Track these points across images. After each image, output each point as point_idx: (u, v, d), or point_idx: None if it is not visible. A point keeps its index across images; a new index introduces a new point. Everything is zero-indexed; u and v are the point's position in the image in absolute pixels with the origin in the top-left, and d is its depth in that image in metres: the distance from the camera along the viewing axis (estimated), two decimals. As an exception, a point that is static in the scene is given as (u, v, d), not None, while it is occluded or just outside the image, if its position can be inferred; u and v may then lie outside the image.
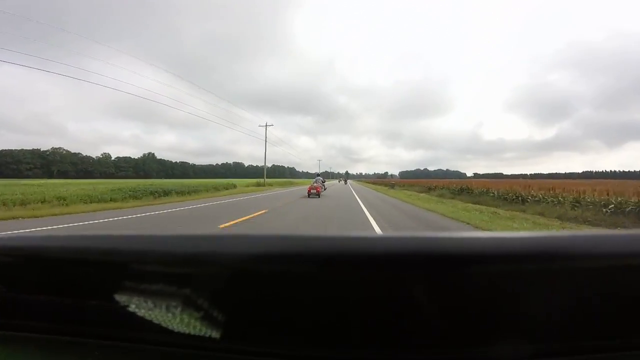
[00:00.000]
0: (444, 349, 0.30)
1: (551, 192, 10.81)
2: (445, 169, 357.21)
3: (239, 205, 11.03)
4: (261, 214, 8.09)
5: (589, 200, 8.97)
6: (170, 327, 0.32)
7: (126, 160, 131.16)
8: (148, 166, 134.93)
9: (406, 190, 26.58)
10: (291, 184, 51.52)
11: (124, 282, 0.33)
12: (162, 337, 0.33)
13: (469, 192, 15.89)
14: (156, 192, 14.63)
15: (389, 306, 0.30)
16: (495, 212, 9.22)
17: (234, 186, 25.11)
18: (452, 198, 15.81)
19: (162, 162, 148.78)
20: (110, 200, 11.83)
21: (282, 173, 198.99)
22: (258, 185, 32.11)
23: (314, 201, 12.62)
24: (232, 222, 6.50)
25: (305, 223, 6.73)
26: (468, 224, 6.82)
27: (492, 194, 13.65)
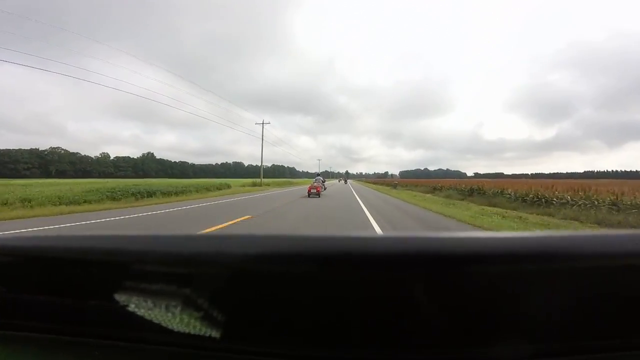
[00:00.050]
0: (444, 349, 0.30)
1: (580, 193, 9.49)
2: (445, 169, 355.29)
3: (222, 208, 9.80)
4: (244, 219, 6.87)
5: (628, 202, 7.69)
6: (170, 327, 0.32)
7: (125, 160, 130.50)
8: (147, 166, 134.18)
9: (409, 190, 25.03)
10: (290, 183, 50.30)
11: (124, 282, 0.33)
12: (162, 337, 0.33)
13: (480, 193, 14.29)
14: (139, 192, 13.43)
15: (389, 306, 0.30)
16: (521, 217, 7.90)
17: (228, 186, 23.74)
18: (462, 199, 14.23)
19: (162, 162, 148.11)
20: (84, 202, 10.78)
21: (282, 173, 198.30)
22: (254, 185, 30.85)
23: (313, 202, 11.74)
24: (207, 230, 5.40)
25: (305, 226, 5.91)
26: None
27: (507, 195, 12.01)
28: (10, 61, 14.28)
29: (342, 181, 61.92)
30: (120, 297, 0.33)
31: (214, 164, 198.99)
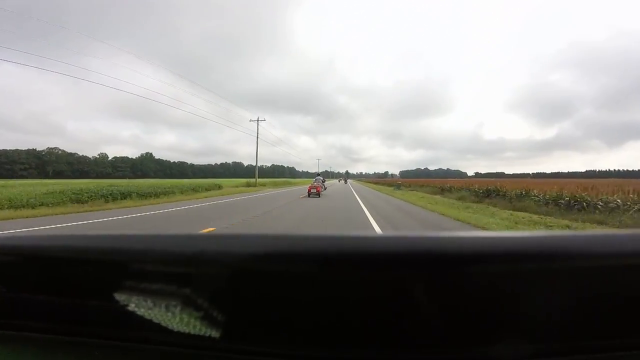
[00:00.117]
0: (444, 348, 0.30)
1: (631, 196, 7.81)
2: (445, 169, 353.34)
3: (190, 213, 8.49)
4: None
5: None
6: (170, 327, 0.32)
7: (123, 160, 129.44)
8: (145, 166, 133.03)
9: (414, 191, 22.88)
10: (288, 183, 48.77)
11: (124, 282, 0.33)
12: (162, 336, 0.33)
13: (499, 195, 12.46)
14: (110, 194, 11.82)
15: (389, 306, 0.30)
16: (568, 226, 6.27)
17: (219, 187, 22.14)
18: (479, 202, 12.34)
19: (160, 162, 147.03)
20: (41, 205, 9.41)
21: (281, 173, 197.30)
22: (248, 185, 29.20)
23: (310, 204, 10.91)
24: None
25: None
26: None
27: (535, 197, 10.21)
28: (10, 60, 14.23)
29: (342, 181, 61.60)
30: (120, 297, 0.33)
31: (213, 164, 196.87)
